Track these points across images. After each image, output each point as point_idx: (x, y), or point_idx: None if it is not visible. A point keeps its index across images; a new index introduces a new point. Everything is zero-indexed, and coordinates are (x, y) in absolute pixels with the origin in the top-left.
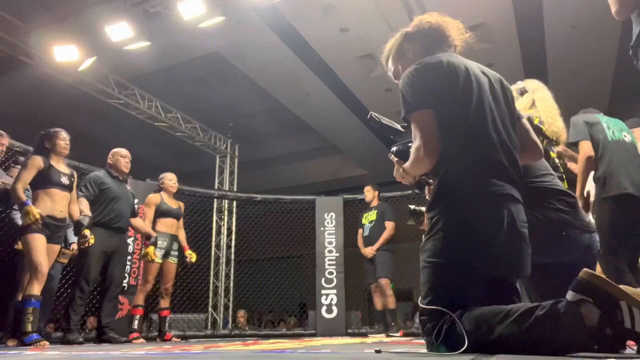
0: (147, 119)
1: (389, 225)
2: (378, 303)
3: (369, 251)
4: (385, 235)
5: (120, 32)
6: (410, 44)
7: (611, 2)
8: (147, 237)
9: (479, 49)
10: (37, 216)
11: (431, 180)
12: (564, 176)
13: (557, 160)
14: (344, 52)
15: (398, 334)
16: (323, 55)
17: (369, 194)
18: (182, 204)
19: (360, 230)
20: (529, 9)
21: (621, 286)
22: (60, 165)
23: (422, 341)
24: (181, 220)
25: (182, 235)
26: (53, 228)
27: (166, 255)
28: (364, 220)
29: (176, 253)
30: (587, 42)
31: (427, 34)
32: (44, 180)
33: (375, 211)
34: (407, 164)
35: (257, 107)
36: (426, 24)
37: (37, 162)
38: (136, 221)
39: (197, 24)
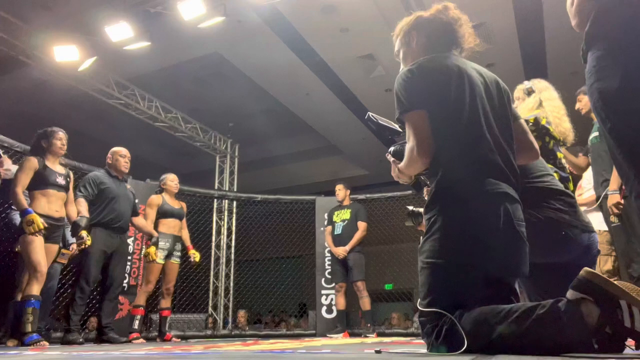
0: (147, 119)
1: (362, 225)
2: (340, 303)
3: (341, 252)
4: (357, 235)
5: (120, 32)
6: (418, 33)
7: (571, 15)
8: (148, 237)
9: (479, 49)
10: (42, 227)
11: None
12: (570, 176)
13: (563, 161)
14: (344, 52)
15: (373, 335)
16: (323, 55)
17: (341, 192)
18: (184, 204)
19: (329, 228)
20: (529, 9)
21: (621, 285)
22: (56, 166)
23: (422, 341)
24: (184, 221)
25: (185, 235)
26: (50, 228)
27: (169, 256)
28: (335, 218)
29: (179, 254)
30: None
31: (438, 28)
32: (39, 181)
33: (349, 210)
34: (401, 164)
35: (257, 107)
36: (439, 20)
37: (33, 163)
38: (138, 220)
39: (197, 24)
